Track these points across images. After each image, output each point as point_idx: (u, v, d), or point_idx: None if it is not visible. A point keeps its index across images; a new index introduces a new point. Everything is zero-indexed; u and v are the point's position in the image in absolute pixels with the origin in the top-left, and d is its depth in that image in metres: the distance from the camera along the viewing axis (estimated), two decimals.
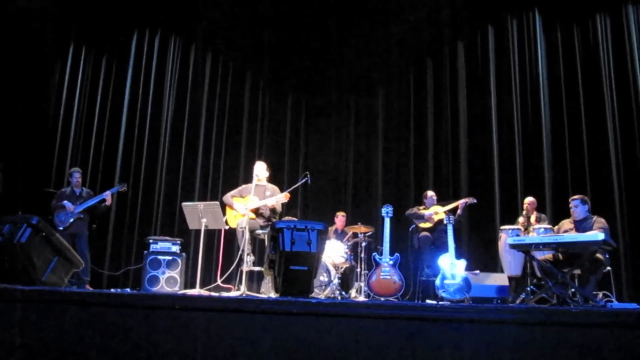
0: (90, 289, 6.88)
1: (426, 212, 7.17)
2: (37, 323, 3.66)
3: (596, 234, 5.12)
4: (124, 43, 9.26)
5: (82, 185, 7.53)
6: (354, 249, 7.32)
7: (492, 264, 7.41)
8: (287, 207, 6.82)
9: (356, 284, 7.06)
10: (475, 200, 7.10)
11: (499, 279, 6.60)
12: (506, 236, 6.47)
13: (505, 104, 8.15)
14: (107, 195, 7.18)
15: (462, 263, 6.20)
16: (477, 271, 6.69)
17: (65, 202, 7.06)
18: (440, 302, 5.84)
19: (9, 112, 8.73)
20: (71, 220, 6.98)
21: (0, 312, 3.65)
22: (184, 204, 6.25)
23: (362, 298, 6.71)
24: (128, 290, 7.36)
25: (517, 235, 6.31)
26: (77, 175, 7.35)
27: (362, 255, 7.08)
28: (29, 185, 8.20)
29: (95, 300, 3.78)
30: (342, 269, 7.14)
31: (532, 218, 6.68)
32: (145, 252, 7.07)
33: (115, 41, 9.30)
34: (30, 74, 9.05)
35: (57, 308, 3.71)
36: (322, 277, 6.52)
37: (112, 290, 7.02)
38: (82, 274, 6.76)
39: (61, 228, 6.88)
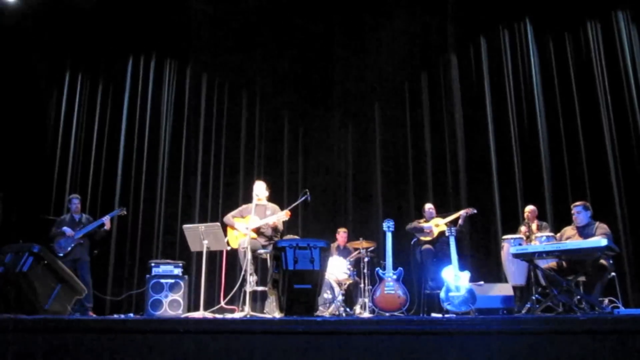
0: (94, 315, 6.85)
1: (425, 225, 7.16)
2: (41, 352, 3.63)
3: (599, 240, 5.11)
4: (120, 69, 9.34)
5: (82, 212, 7.52)
6: (356, 264, 7.29)
7: (495, 274, 7.38)
8: (288, 226, 6.80)
9: (360, 300, 7.02)
10: (475, 211, 7.10)
11: (504, 289, 6.56)
12: (509, 246, 6.45)
13: (501, 114, 8.18)
14: (106, 219, 7.18)
15: (466, 275, 6.17)
16: (482, 282, 6.65)
17: (65, 228, 7.05)
18: (446, 315, 5.82)
19: (7, 141, 8.76)
20: (71, 246, 6.96)
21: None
22: (185, 226, 6.23)
23: (366, 314, 6.67)
24: (131, 315, 7.31)
25: (520, 245, 6.29)
26: (76, 202, 7.36)
27: (365, 270, 7.05)
28: (29, 214, 8.19)
29: (100, 327, 3.76)
30: (346, 286, 7.11)
31: (534, 226, 6.66)
32: (148, 275, 7.02)
33: (110, 67, 9.38)
34: (27, 102, 9.12)
35: (61, 337, 3.69)
36: (326, 295, 6.49)
37: (115, 316, 6.98)
38: (84, 300, 6.71)
39: (61, 255, 6.85)
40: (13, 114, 8.99)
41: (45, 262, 4.83)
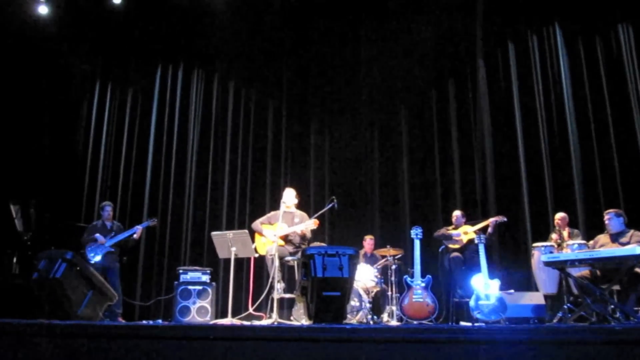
0: (123, 321, 6.93)
1: (454, 232, 7.09)
2: (73, 357, 3.68)
3: (634, 248, 4.99)
4: (148, 78, 9.48)
5: (113, 219, 7.61)
6: (384, 272, 7.25)
7: (525, 282, 7.26)
8: (315, 233, 6.79)
9: (388, 308, 6.96)
10: (505, 219, 7.00)
11: (535, 298, 6.46)
12: (539, 254, 6.35)
13: (530, 120, 8.08)
14: (138, 230, 7.25)
15: (496, 283, 6.09)
16: (512, 290, 6.56)
17: (97, 235, 7.15)
18: (476, 324, 5.74)
19: (40, 149, 8.98)
20: (102, 253, 7.05)
21: (34, 347, 3.69)
22: (213, 233, 6.28)
23: (394, 322, 6.62)
24: (160, 321, 7.38)
25: (551, 252, 6.18)
26: (108, 209, 7.45)
27: (393, 278, 7.00)
28: (60, 220, 8.34)
29: (130, 333, 3.79)
30: (373, 293, 7.07)
31: (565, 234, 6.54)
32: (176, 282, 7.09)
33: (139, 76, 9.53)
34: (58, 111, 9.33)
35: (93, 342, 3.74)
36: (353, 302, 6.46)
37: (144, 322, 7.05)
38: (114, 306, 6.80)
39: (92, 262, 6.94)
40: (46, 122, 9.22)
41: (78, 268, 4.92)
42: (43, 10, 8.91)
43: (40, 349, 3.68)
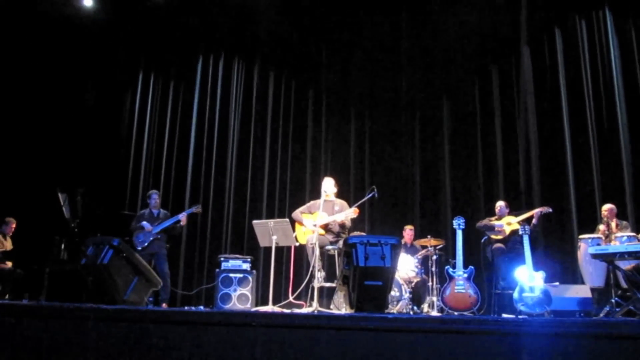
0: (167, 307, 7.07)
1: (496, 223, 6.96)
2: (119, 340, 3.77)
3: None
4: (190, 68, 9.60)
5: (160, 207, 7.76)
6: (424, 262, 7.18)
7: (571, 275, 7.10)
8: (355, 222, 6.78)
9: (428, 299, 6.91)
10: (551, 210, 6.82)
11: (581, 291, 6.29)
12: (586, 246, 6.19)
13: (577, 108, 7.83)
14: (183, 216, 7.38)
15: (541, 275, 5.95)
16: (557, 283, 6.41)
17: (143, 222, 7.30)
18: (520, 316, 5.63)
19: (85, 139, 9.22)
20: (149, 240, 7.20)
21: (83, 330, 3.80)
22: (254, 221, 6.33)
23: (435, 313, 6.57)
24: (202, 308, 7.51)
25: (598, 245, 6.01)
26: (155, 197, 7.61)
27: (434, 268, 6.93)
28: (106, 208, 8.56)
29: (174, 318, 3.86)
30: (413, 284, 7.02)
31: (613, 225, 6.35)
32: (217, 270, 7.18)
33: (181, 67, 9.67)
34: (103, 101, 9.56)
35: (138, 326, 3.82)
36: (393, 292, 6.43)
37: (186, 308, 7.18)
38: (162, 292, 6.96)
39: (140, 248, 7.11)
40: (91, 112, 9.46)
41: (124, 255, 5.03)
42: (88, 2, 9.11)
43: (89, 332, 3.79)
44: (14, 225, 7.88)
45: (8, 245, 7.81)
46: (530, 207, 7.15)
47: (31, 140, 9.03)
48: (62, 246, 7.42)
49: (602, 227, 6.43)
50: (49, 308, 4.08)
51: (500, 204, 7.16)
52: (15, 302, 6.01)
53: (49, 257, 7.27)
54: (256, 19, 9.31)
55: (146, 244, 7.15)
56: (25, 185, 8.63)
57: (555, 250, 7.56)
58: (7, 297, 7.29)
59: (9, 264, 7.59)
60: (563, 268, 7.26)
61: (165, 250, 7.37)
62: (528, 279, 5.92)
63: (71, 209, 7.84)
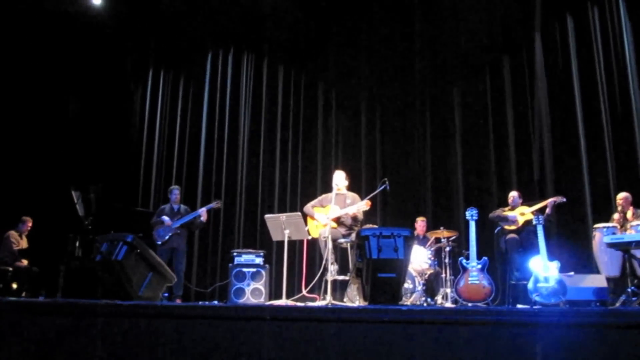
0: (180, 302, 7.11)
1: (509, 214, 6.92)
2: (134, 336, 3.79)
3: None
4: (199, 63, 9.63)
5: (180, 202, 7.80)
6: (437, 254, 7.16)
7: (586, 265, 7.02)
8: (367, 215, 6.76)
9: (442, 290, 6.89)
10: (564, 199, 6.76)
11: (596, 281, 6.24)
12: (601, 235, 6.13)
13: (590, 97, 7.73)
14: (203, 211, 7.44)
15: (555, 265, 5.90)
16: (572, 273, 6.36)
17: (163, 217, 7.36)
18: (535, 307, 5.60)
19: (97, 137, 9.28)
20: (169, 235, 7.25)
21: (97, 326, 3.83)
22: (266, 216, 6.33)
23: (448, 304, 6.55)
24: (216, 302, 7.54)
25: (613, 234, 5.96)
26: (176, 192, 7.67)
27: (447, 260, 6.91)
28: (119, 205, 8.61)
29: (189, 313, 3.88)
30: (427, 275, 7.00)
31: (629, 214, 6.30)
32: (230, 265, 7.21)
33: (190, 62, 9.70)
34: (114, 99, 9.61)
35: (153, 322, 3.84)
36: (407, 284, 6.42)
37: (200, 303, 7.21)
38: (175, 288, 7.01)
39: (159, 242, 7.18)
40: (102, 110, 9.51)
41: (138, 251, 5.05)
42: (97, 0, 9.14)
43: (103, 327, 3.82)
44: (29, 224, 7.98)
45: (24, 243, 7.91)
46: (544, 197, 7.09)
47: (44, 140, 9.10)
48: (77, 243, 7.48)
49: (617, 215, 6.38)
50: (64, 305, 4.12)
51: (513, 194, 7.10)
52: (32, 300, 6.08)
53: (64, 254, 7.32)
54: (265, 13, 9.30)
55: (166, 239, 7.21)
56: (40, 185, 8.71)
57: (570, 240, 7.49)
58: (23, 294, 7.38)
59: (25, 262, 7.68)
60: (578, 258, 7.18)
61: (185, 246, 7.42)
62: (543, 269, 5.87)
63: (85, 207, 7.90)
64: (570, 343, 3.27)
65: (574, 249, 7.32)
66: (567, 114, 7.88)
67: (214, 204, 7.66)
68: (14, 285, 7.44)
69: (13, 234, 7.81)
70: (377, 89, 9.07)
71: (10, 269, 7.47)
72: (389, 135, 8.94)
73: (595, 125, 7.66)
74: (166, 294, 6.68)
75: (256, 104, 9.37)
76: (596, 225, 6.49)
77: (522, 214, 6.83)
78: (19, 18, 8.91)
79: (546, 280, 5.81)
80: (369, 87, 9.11)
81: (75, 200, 7.89)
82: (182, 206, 7.70)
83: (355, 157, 8.95)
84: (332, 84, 9.28)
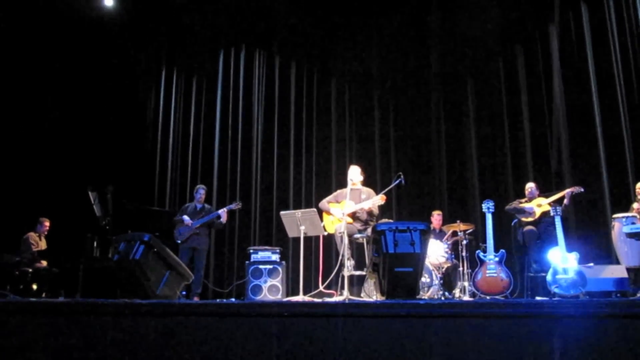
0: (198, 300, 7.15)
1: (526, 206, 6.85)
2: (154, 334, 3.82)
3: None
4: (212, 62, 9.66)
5: (204, 202, 7.83)
6: (454, 247, 7.12)
7: (606, 255, 6.94)
8: (382, 210, 6.74)
9: (459, 284, 6.85)
10: (582, 189, 6.68)
11: (617, 271, 6.16)
12: (620, 225, 6.06)
13: (607, 86, 7.62)
14: (223, 212, 7.44)
15: (574, 256, 5.84)
16: (591, 264, 6.29)
17: (184, 217, 7.39)
18: (554, 299, 5.55)
19: (112, 138, 9.34)
20: (189, 234, 7.29)
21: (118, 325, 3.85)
22: (282, 212, 6.33)
23: (466, 298, 6.51)
24: (233, 300, 7.57)
25: (633, 224, 5.87)
26: (201, 192, 7.69)
27: (464, 253, 6.87)
28: (135, 205, 8.67)
29: (206, 311, 3.89)
30: (444, 269, 6.97)
31: None
32: (247, 262, 7.23)
33: (203, 61, 9.72)
34: (128, 100, 9.67)
35: (173, 320, 3.86)
36: (424, 279, 6.39)
37: (218, 300, 7.25)
38: (193, 286, 7.05)
39: (179, 241, 7.22)
40: (117, 112, 9.57)
41: (155, 250, 5.07)
42: (108, 2, 9.20)
43: (123, 326, 3.85)
44: (48, 225, 8.06)
45: (43, 245, 8.00)
46: (562, 188, 7.01)
47: (60, 142, 9.18)
48: (95, 244, 7.54)
49: (636, 205, 6.29)
50: (84, 304, 4.15)
51: (530, 186, 7.03)
52: (52, 300, 6.15)
53: (82, 255, 7.39)
54: (275, 9, 9.28)
55: (185, 237, 7.24)
56: (57, 186, 8.79)
57: (589, 230, 7.41)
58: (43, 295, 7.46)
59: (44, 263, 7.77)
60: (597, 248, 7.11)
61: (206, 245, 7.45)
62: (561, 261, 5.82)
63: (102, 207, 7.96)
64: (590, 335, 3.23)
65: (592, 240, 7.25)
66: (583, 104, 7.78)
67: (233, 205, 7.66)
68: (34, 286, 7.52)
69: (32, 235, 7.91)
70: (391, 83, 9.02)
71: (30, 270, 7.55)
72: (403, 129, 8.89)
73: (612, 114, 7.55)
74: (184, 292, 6.71)
75: (269, 102, 9.38)
76: (615, 215, 6.41)
77: (539, 205, 6.77)
78: (36, 21, 9.00)
79: (565, 271, 5.75)
80: (382, 81, 9.07)
81: (93, 201, 7.94)
82: (206, 205, 7.73)
83: (370, 151, 8.92)
84: (345, 79, 9.26)
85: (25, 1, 8.86)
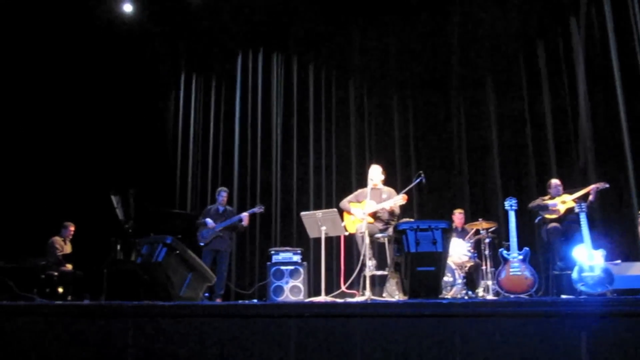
0: (220, 301, 7.19)
1: (550, 203, 6.75)
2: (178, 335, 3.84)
3: None
4: (230, 65, 9.73)
5: (227, 204, 7.87)
6: (477, 246, 7.04)
7: (633, 252, 6.81)
8: (404, 209, 6.69)
9: (483, 283, 6.77)
10: (607, 185, 6.55)
11: None
12: None
13: (631, 80, 7.45)
14: (245, 215, 7.48)
15: (600, 253, 5.73)
16: (618, 261, 6.17)
17: (207, 219, 7.45)
18: (581, 297, 5.46)
19: (133, 142, 9.46)
20: (212, 237, 7.33)
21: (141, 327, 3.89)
22: (302, 213, 6.33)
23: (490, 296, 6.43)
24: (255, 301, 7.59)
25: None
26: (223, 194, 7.78)
27: (487, 252, 6.78)
28: (157, 208, 8.75)
29: (230, 312, 3.91)
30: (467, 268, 6.90)
31: None
32: (268, 263, 7.25)
33: (221, 65, 9.80)
34: (148, 104, 9.79)
35: (196, 321, 3.89)
36: (447, 278, 6.35)
37: (240, 302, 7.27)
38: (216, 287, 7.09)
39: (202, 244, 7.27)
40: (138, 116, 9.69)
41: (177, 252, 5.12)
42: (128, 8, 9.32)
43: (146, 328, 3.89)
44: (72, 229, 8.18)
45: (68, 248, 8.12)
46: (586, 184, 6.89)
47: (83, 147, 9.32)
48: (118, 247, 7.62)
49: None
50: (109, 307, 4.20)
51: (554, 182, 6.91)
52: (77, 303, 6.23)
53: (106, 258, 7.48)
54: (292, 10, 9.29)
55: (208, 240, 7.30)
56: (81, 190, 8.92)
57: (615, 227, 7.28)
58: (69, 298, 7.58)
59: (69, 267, 7.89)
60: (624, 245, 6.97)
61: (229, 248, 7.49)
62: (587, 258, 5.71)
63: (124, 211, 8.04)
64: (618, 333, 3.18)
65: (619, 236, 7.12)
66: (606, 99, 7.64)
67: (256, 209, 7.69)
68: (60, 290, 7.64)
69: (57, 239, 8.03)
70: (410, 82, 8.97)
71: (56, 274, 7.67)
72: (423, 127, 8.83)
73: (637, 108, 7.40)
74: (207, 294, 6.75)
75: (288, 103, 9.40)
76: None
77: (564, 202, 6.66)
78: (59, 28, 9.17)
79: (591, 269, 5.65)
80: (401, 80, 9.02)
81: (115, 205, 8.03)
82: (228, 208, 7.78)
83: (390, 151, 8.87)
84: (363, 78, 9.22)
85: (50, 11, 9.01)
